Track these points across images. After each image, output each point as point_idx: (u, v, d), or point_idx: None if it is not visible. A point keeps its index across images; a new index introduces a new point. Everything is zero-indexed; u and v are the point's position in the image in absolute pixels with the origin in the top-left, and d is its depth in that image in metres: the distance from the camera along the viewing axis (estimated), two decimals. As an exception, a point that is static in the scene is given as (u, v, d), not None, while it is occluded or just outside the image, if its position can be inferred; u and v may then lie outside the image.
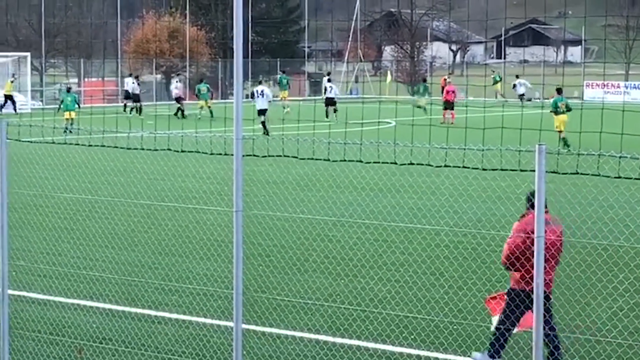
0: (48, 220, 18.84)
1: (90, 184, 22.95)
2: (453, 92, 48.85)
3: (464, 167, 11.13)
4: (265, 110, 41.17)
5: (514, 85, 66.43)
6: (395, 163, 12.42)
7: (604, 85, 72.11)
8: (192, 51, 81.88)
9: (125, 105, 55.73)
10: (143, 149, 14.05)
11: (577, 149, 13.90)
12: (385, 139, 12.56)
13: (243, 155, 9.91)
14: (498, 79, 72.88)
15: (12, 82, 56.00)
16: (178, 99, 54.23)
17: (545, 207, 9.06)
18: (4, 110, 53.92)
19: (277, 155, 13.27)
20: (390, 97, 70.77)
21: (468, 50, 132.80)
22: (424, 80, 37.56)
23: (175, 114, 51.40)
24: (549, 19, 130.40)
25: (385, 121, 44.79)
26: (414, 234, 17.55)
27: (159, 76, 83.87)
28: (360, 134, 12.57)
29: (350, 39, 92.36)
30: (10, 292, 11.33)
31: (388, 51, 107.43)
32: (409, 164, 12.74)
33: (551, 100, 35.81)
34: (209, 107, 51.14)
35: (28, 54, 62.94)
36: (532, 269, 8.42)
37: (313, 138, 11.71)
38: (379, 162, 12.41)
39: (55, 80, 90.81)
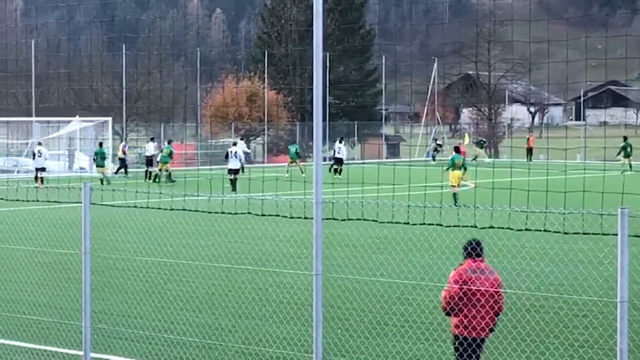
0: (129, 283, 19.00)
1: (172, 247, 23.12)
2: (464, 152, 50.15)
3: (545, 230, 11.04)
4: (237, 170, 46.02)
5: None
6: (475, 227, 12.35)
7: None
8: (271, 114, 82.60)
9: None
10: (224, 213, 14.20)
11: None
12: (465, 202, 12.50)
13: (323, 219, 9.92)
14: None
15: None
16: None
17: (481, 256, 10.23)
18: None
19: (357, 219, 13.29)
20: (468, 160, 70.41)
21: (547, 112, 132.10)
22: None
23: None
24: (629, 80, 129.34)
25: (465, 184, 44.58)
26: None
27: (238, 139, 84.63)
28: (440, 197, 12.51)
29: (427, 101, 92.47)
30: (92, 355, 11.42)
31: (466, 113, 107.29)
32: (489, 227, 12.66)
33: (449, 158, 38.63)
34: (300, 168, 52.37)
35: (109, 118, 63.99)
36: (467, 316, 9.81)
37: (393, 202, 11.71)
38: (458, 226, 12.35)
39: (137, 144, 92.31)
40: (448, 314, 10.57)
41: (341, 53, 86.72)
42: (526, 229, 10.88)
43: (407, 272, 19.96)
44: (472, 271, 10.33)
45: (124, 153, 58.55)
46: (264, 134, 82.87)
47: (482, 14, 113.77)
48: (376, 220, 13.14)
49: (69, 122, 62.84)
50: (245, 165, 54.05)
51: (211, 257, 22.11)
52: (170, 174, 50.16)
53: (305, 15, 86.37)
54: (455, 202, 33.58)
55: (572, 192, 15.65)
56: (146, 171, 54.50)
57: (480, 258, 10.29)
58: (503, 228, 12.04)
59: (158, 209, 14.25)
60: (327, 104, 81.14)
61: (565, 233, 10.78)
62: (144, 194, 14.16)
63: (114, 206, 14.85)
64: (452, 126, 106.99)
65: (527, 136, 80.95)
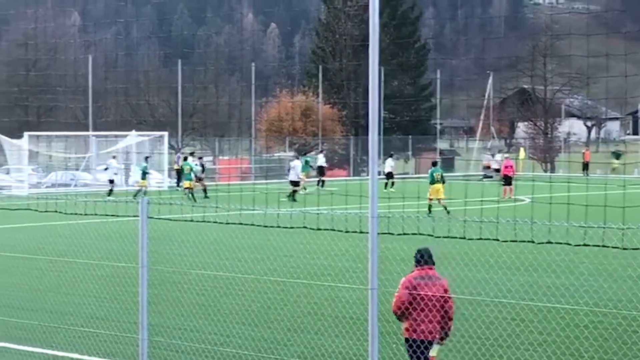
0: (185, 296, 19.09)
1: (227, 261, 23.19)
2: (511, 167, 50.42)
3: (603, 246, 10.92)
4: (297, 182, 48.49)
5: None
6: (533, 242, 12.24)
7: None
8: (325, 129, 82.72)
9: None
10: (279, 227, 14.21)
11: None
12: (522, 217, 12.41)
13: (378, 233, 9.90)
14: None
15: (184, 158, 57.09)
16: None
17: (432, 263, 10.96)
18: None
19: (412, 234, 13.22)
20: (523, 174, 70.03)
21: (603, 127, 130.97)
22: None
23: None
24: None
25: (519, 198, 44.34)
26: (552, 313, 17.20)
27: (291, 154, 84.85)
28: (497, 212, 12.42)
29: (482, 115, 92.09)
30: (149, 367, 11.48)
31: (521, 127, 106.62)
32: (546, 242, 12.54)
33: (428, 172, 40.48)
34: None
35: (165, 133, 64.40)
36: (417, 320, 10.68)
37: (449, 216, 11.65)
38: (515, 241, 12.25)
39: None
40: (399, 319, 11.12)
41: (396, 67, 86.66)
42: (584, 245, 10.77)
43: (463, 287, 19.83)
44: (420, 278, 10.93)
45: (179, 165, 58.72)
46: (317, 149, 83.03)
47: (538, 28, 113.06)
48: (432, 235, 13.07)
49: (125, 136, 63.36)
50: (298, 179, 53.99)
51: (267, 270, 22.15)
52: (192, 192, 49.14)
53: (359, 30, 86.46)
54: (430, 212, 35.89)
55: (630, 207, 15.47)
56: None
57: (429, 266, 10.98)
58: (560, 243, 11.92)
59: (214, 222, 14.30)
60: (382, 118, 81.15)
61: (624, 249, 10.64)
62: (200, 207, 14.23)
63: (170, 220, 14.91)
64: (507, 140, 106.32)
65: (583, 151, 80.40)
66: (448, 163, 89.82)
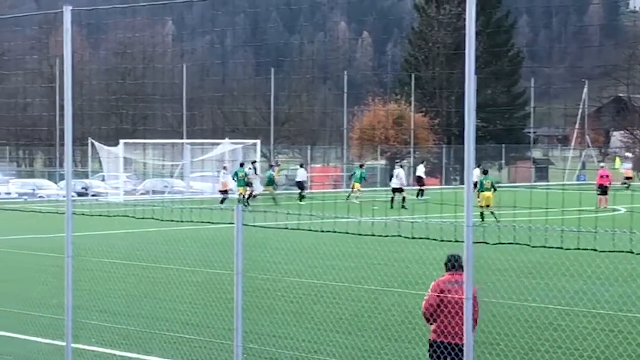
0: (279, 304, 19.12)
1: (320, 268, 23.18)
2: (607, 176, 49.37)
3: None
4: (400, 189, 48.30)
5: None
6: (632, 252, 12.00)
7: None
8: (417, 137, 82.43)
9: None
10: (373, 235, 14.15)
11: None
12: (620, 227, 12.18)
13: (473, 242, 9.78)
14: None
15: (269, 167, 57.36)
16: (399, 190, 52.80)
17: (461, 268, 10.95)
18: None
19: (508, 243, 13.07)
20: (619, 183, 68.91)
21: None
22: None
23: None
24: None
25: (616, 208, 43.64)
26: (650, 325, 16.84)
27: (383, 162, 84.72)
28: (595, 221, 12.20)
29: (577, 124, 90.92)
30: (244, 374, 11.50)
31: (617, 136, 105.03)
32: (646, 252, 12.27)
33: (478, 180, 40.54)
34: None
35: (258, 140, 64.75)
36: (444, 323, 11.02)
37: (545, 226, 11.49)
38: (614, 251, 12.02)
39: (281, 166, 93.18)
40: (427, 321, 11.43)
41: (489, 75, 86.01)
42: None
43: (560, 297, 19.56)
44: (449, 282, 11.22)
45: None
46: (409, 157, 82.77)
47: (635, 36, 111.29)
48: (528, 245, 12.89)
49: (218, 144, 63.87)
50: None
51: (360, 279, 22.09)
52: (244, 197, 49.35)
53: (452, 38, 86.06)
54: (483, 219, 36.87)
55: None
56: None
57: (459, 272, 11.12)
58: (661, 254, 11.66)
59: (308, 230, 14.30)
60: (475, 126, 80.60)
61: None
62: (294, 215, 14.24)
63: (264, 227, 14.95)
64: (602, 150, 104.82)
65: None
66: (542, 172, 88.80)
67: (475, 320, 11.22)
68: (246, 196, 49.71)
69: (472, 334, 11.09)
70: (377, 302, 19.50)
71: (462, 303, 10.89)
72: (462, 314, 11.01)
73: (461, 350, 11.05)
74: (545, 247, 14.21)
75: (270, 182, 54.10)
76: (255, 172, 53.36)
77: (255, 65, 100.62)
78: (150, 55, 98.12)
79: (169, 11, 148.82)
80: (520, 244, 12.89)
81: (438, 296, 11.14)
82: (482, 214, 38.16)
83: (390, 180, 49.92)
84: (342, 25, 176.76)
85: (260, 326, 17.22)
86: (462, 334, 10.98)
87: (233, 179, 51.51)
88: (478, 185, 40.11)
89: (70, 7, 12.48)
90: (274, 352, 15.22)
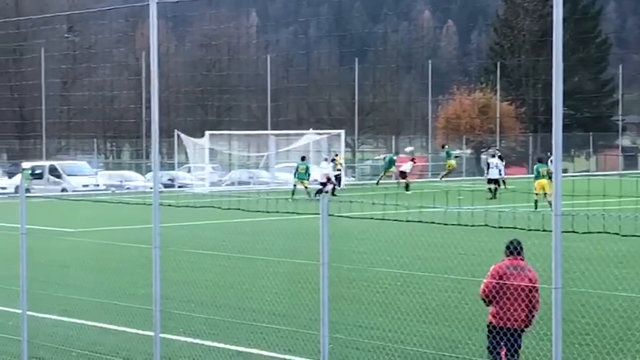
0: (365, 294, 19.10)
1: (407, 259, 23.10)
2: None
3: None
4: (496, 180, 47.86)
5: None
6: None
7: None
8: (503, 126, 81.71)
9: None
10: (460, 225, 14.03)
11: None
12: None
13: (562, 232, 9.64)
14: None
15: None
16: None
17: (521, 254, 11.48)
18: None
19: (597, 232, 12.87)
20: None
21: None
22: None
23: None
24: None
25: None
26: None
27: (468, 151, 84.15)
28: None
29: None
30: (330, 365, 11.49)
31: None
32: None
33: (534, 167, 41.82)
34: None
35: (342, 131, 64.66)
36: (502, 307, 11.33)
37: (636, 214, 11.29)
38: None
39: (364, 156, 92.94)
40: (485, 303, 11.71)
41: (576, 63, 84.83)
42: None
43: (649, 287, 19.25)
44: (509, 268, 11.46)
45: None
46: (495, 146, 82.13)
47: None
48: (618, 234, 12.67)
49: (302, 135, 63.96)
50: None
51: (446, 269, 21.96)
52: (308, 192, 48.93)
53: (538, 25, 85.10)
54: (536, 207, 36.58)
55: None
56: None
57: (520, 256, 11.47)
58: None
59: (394, 220, 14.23)
60: (562, 114, 79.56)
61: None
62: (380, 205, 14.19)
63: (350, 218, 14.92)
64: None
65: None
66: (631, 160, 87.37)
67: (534, 307, 11.55)
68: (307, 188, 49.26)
69: (532, 321, 11.61)
70: (463, 292, 19.33)
71: (521, 289, 11.37)
72: (521, 299, 11.47)
73: (519, 335, 11.50)
74: (636, 236, 13.98)
75: (391, 163, 56.29)
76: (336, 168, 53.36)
77: (339, 55, 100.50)
78: (234, 46, 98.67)
79: (252, 3, 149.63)
80: (609, 232, 12.70)
81: (497, 283, 11.41)
82: (536, 202, 38.14)
83: (488, 171, 49.01)
84: (426, 14, 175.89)
85: (346, 316, 17.20)
86: (520, 319, 11.48)
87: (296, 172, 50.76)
88: (534, 173, 40.84)
89: (156, 0, 12.55)
90: (360, 342, 15.21)
